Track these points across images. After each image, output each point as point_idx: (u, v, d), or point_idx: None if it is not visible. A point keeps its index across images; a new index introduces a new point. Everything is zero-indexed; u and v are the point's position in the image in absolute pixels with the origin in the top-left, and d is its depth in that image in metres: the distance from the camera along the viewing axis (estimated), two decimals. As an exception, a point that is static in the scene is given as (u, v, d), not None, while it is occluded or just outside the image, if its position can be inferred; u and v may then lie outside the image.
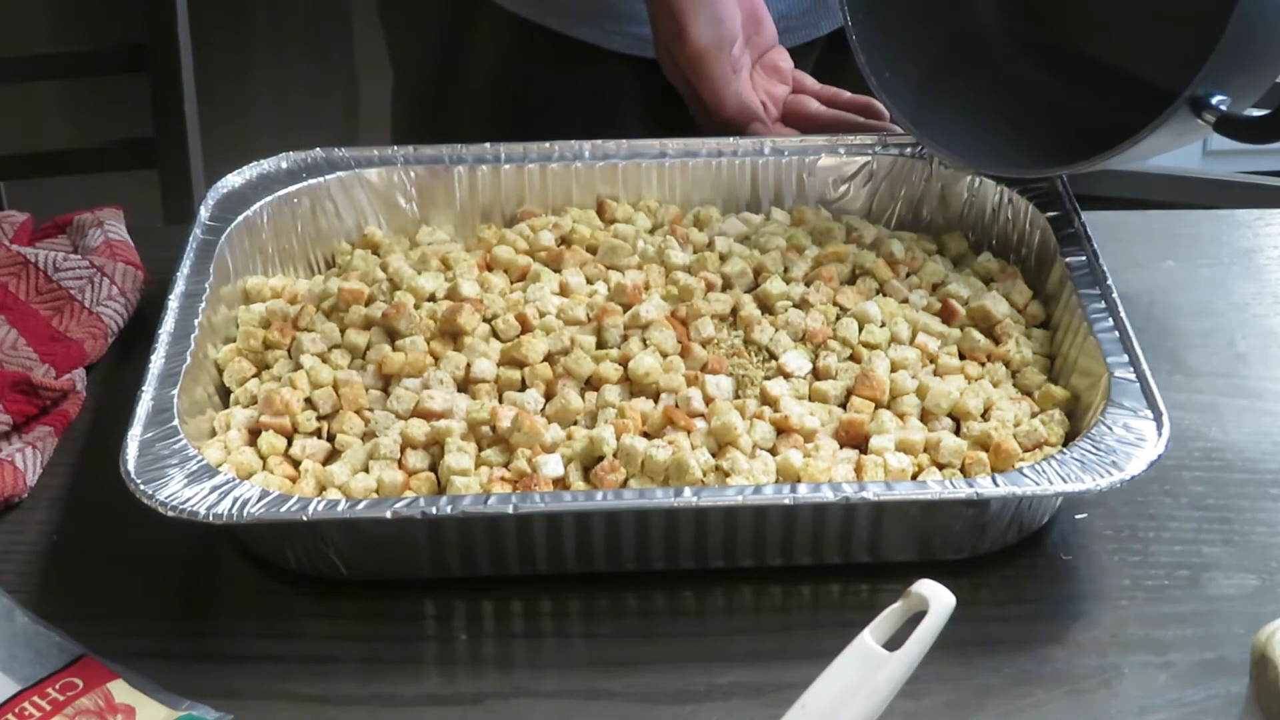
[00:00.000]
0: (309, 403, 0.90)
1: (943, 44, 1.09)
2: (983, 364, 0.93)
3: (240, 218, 1.01)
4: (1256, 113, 0.88)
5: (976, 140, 1.03)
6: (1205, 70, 0.86)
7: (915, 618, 0.72)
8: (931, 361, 0.93)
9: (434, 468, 0.86)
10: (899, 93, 1.05)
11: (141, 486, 0.80)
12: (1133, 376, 0.86)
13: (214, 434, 0.89)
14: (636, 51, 1.20)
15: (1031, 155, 1.01)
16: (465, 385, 0.91)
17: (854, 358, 0.93)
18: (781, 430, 0.87)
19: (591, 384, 0.91)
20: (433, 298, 0.97)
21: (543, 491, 0.83)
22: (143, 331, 0.94)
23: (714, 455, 0.86)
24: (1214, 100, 0.87)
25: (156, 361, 0.88)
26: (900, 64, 1.06)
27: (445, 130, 1.12)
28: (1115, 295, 0.92)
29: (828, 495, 0.79)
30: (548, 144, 1.07)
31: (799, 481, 0.84)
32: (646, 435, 0.87)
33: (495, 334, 0.94)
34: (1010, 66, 1.08)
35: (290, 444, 0.88)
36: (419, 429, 0.87)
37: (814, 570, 0.84)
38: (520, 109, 1.23)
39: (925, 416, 0.89)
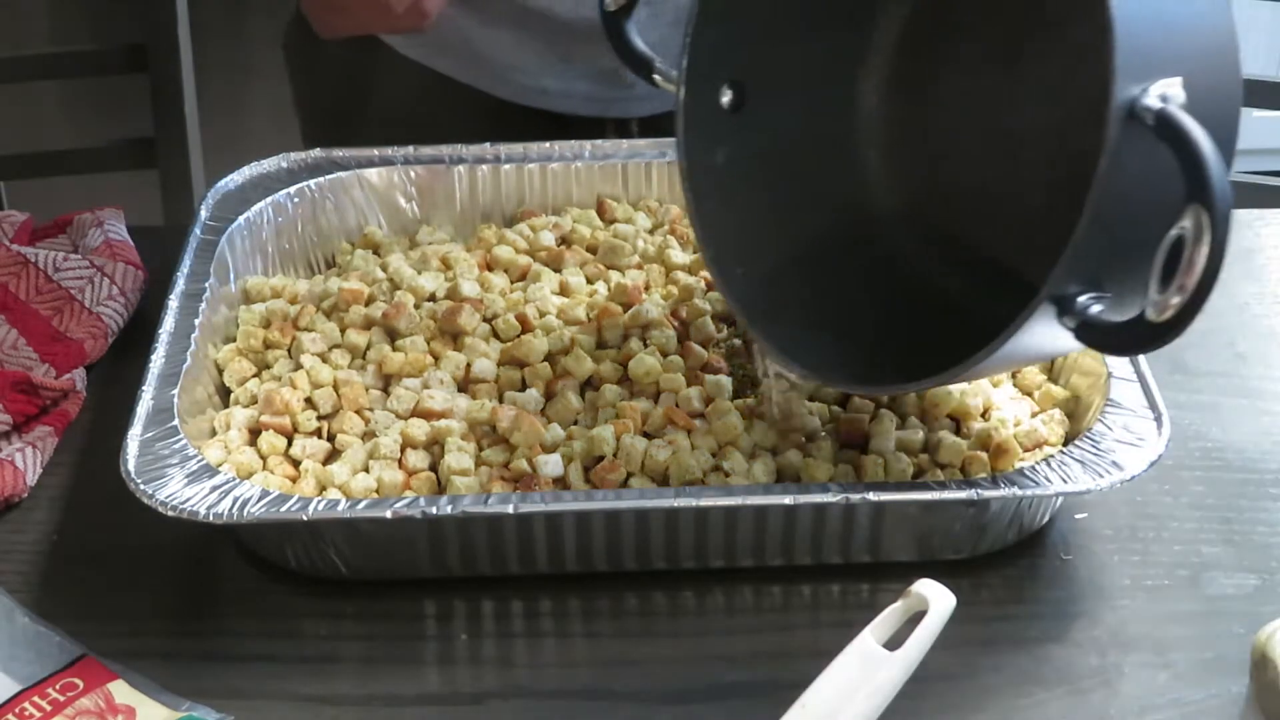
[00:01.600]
0: (309, 403, 0.90)
1: (799, 239, 0.93)
2: (983, 364, 0.93)
3: (240, 218, 1.01)
4: (1119, 319, 0.71)
5: (822, 347, 0.87)
6: (1061, 264, 0.70)
7: (915, 618, 0.72)
8: (931, 361, 0.92)
9: (434, 468, 0.86)
10: (745, 290, 0.90)
11: (141, 486, 0.80)
12: (1133, 376, 0.86)
13: (214, 434, 0.89)
14: (536, 104, 1.20)
15: (884, 368, 0.84)
16: (465, 385, 0.91)
17: (854, 358, 0.93)
18: (781, 430, 0.87)
19: (591, 384, 0.91)
20: (433, 298, 0.97)
21: (543, 491, 0.83)
22: (143, 331, 0.94)
23: (714, 455, 0.86)
24: (1080, 302, 0.71)
25: (156, 361, 0.88)
26: (752, 258, 0.91)
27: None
28: (1115, 295, 0.91)
29: (828, 495, 0.79)
30: (548, 144, 1.07)
31: (799, 481, 0.84)
32: (646, 435, 0.87)
33: (495, 334, 0.94)
34: (880, 267, 0.93)
35: (290, 444, 0.88)
36: (419, 429, 0.87)
37: (814, 570, 0.84)
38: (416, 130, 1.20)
39: (925, 416, 0.89)
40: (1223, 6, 0.76)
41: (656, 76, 0.94)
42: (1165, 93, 0.68)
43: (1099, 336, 0.72)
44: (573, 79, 1.18)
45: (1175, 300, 0.67)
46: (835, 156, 0.94)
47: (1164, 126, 0.67)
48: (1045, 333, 0.73)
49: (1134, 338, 0.70)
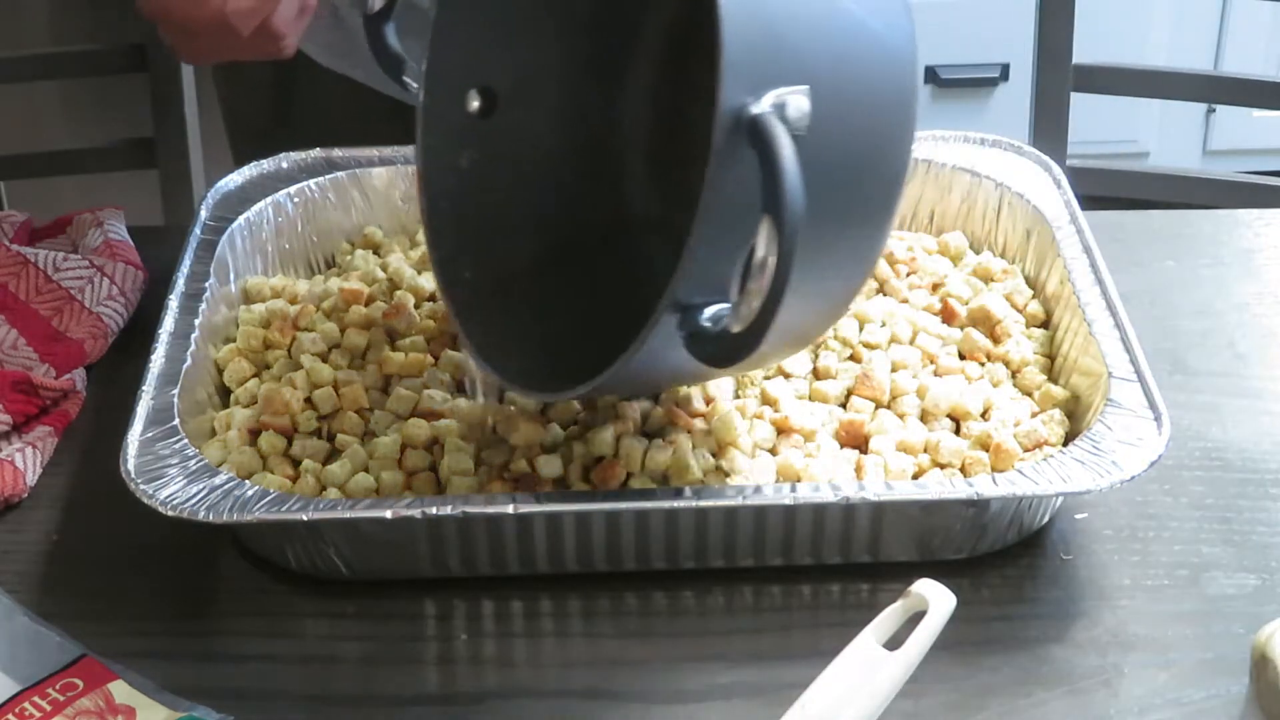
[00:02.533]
0: (309, 403, 0.90)
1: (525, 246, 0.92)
2: (983, 364, 0.93)
3: (240, 218, 1.01)
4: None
5: (527, 354, 0.86)
6: (678, 272, 0.69)
7: (915, 618, 0.72)
8: (931, 362, 0.93)
9: (434, 468, 0.86)
10: (468, 295, 0.88)
11: (141, 486, 0.80)
12: (1133, 376, 0.86)
13: (214, 434, 0.89)
14: None
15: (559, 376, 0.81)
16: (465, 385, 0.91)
17: (854, 358, 0.93)
18: (781, 430, 0.87)
19: (591, 384, 0.91)
20: (433, 298, 0.97)
21: (543, 491, 0.83)
22: (143, 331, 0.94)
23: (714, 455, 0.86)
24: (703, 313, 0.70)
25: (156, 361, 0.88)
26: (485, 262, 0.89)
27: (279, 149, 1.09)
28: (1115, 295, 0.92)
29: (828, 495, 0.79)
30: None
31: (799, 481, 0.84)
32: (646, 435, 0.87)
33: (495, 334, 0.94)
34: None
35: (290, 444, 0.88)
36: (419, 429, 0.87)
37: (814, 570, 0.84)
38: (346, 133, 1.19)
39: (925, 417, 0.89)
40: (892, 16, 0.74)
41: (406, 78, 0.92)
42: (784, 101, 0.67)
43: (699, 347, 0.71)
44: None
45: (747, 311, 0.66)
46: (592, 163, 0.92)
47: (754, 135, 0.66)
48: (672, 346, 0.71)
49: (721, 349, 0.70)
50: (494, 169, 0.90)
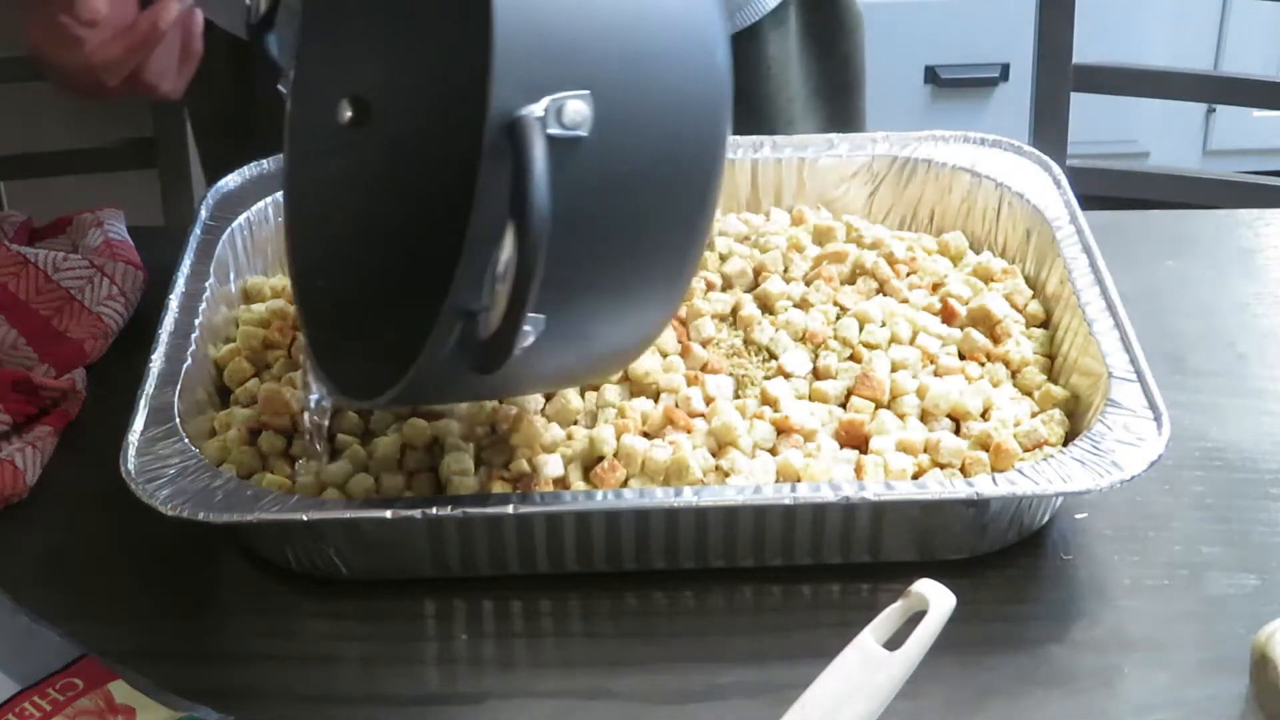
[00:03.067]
0: (309, 403, 0.90)
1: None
2: (983, 364, 0.93)
3: (240, 218, 1.01)
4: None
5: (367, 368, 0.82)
6: (456, 277, 0.68)
7: (915, 618, 0.72)
8: (931, 362, 0.93)
9: (434, 468, 0.86)
10: (321, 304, 0.86)
11: (141, 486, 0.80)
12: (1133, 376, 0.86)
13: (214, 434, 0.89)
14: None
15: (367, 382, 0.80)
16: (465, 385, 0.91)
17: (854, 358, 0.93)
18: (781, 430, 0.87)
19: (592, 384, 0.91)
20: (433, 298, 0.97)
21: (543, 491, 0.83)
22: (143, 331, 0.94)
23: (714, 455, 0.86)
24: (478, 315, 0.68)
25: (156, 361, 0.88)
26: (343, 271, 0.87)
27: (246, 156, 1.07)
28: (1115, 295, 0.92)
29: (828, 495, 0.79)
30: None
31: (799, 481, 0.84)
32: (646, 435, 0.87)
33: (495, 334, 0.94)
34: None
35: (290, 444, 0.88)
36: (419, 429, 0.87)
37: (814, 570, 0.84)
38: None
39: (925, 417, 0.89)
40: (700, 18, 0.73)
41: (280, 87, 0.89)
42: (561, 105, 0.66)
43: (464, 353, 0.70)
44: None
45: (495, 316, 0.66)
46: (461, 175, 0.92)
47: (512, 136, 0.66)
48: (449, 351, 0.70)
49: (479, 356, 0.69)
50: (361, 179, 0.89)
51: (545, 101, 0.67)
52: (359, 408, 0.88)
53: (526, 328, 0.67)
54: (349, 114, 0.88)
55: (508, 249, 0.65)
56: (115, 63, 0.93)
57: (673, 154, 0.72)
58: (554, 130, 0.67)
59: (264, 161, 1.05)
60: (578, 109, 0.67)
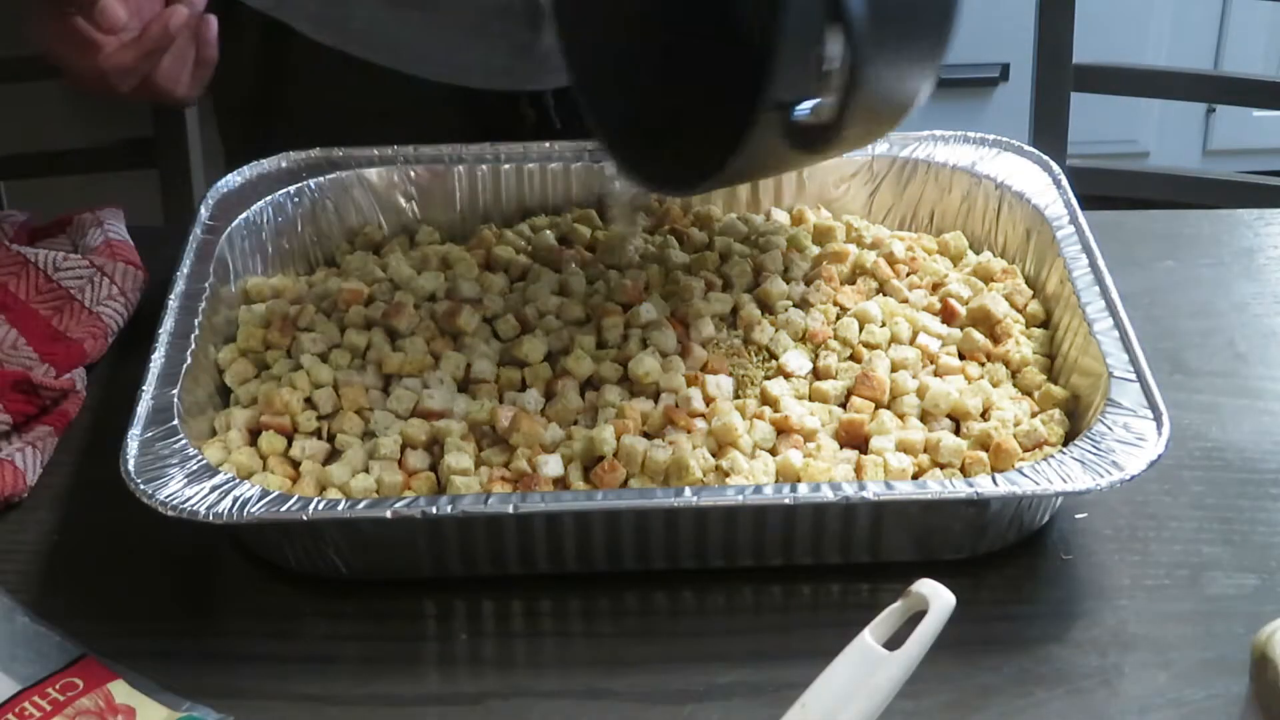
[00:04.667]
0: (309, 403, 0.90)
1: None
2: (983, 364, 0.93)
3: (240, 218, 1.01)
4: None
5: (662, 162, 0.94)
6: (775, 62, 0.78)
7: (915, 617, 0.72)
8: (931, 361, 0.93)
9: (434, 468, 0.86)
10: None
11: (141, 486, 0.80)
12: (1133, 376, 0.86)
13: (214, 434, 0.89)
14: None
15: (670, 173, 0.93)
16: (465, 385, 0.91)
17: (854, 358, 0.93)
18: (781, 430, 0.87)
19: (591, 384, 0.91)
20: (433, 298, 0.97)
21: (543, 491, 0.83)
22: (143, 331, 0.94)
23: (714, 455, 0.86)
24: (796, 109, 0.80)
25: (156, 361, 0.88)
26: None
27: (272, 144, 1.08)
28: (1115, 295, 0.92)
29: (828, 495, 0.79)
30: (547, 144, 1.07)
31: (799, 481, 0.84)
32: (646, 435, 0.87)
33: (495, 334, 0.94)
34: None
35: (290, 444, 0.88)
36: (419, 429, 0.87)
37: (814, 570, 0.84)
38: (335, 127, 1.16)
39: (925, 416, 0.89)
40: None
41: None
42: None
43: (797, 138, 0.81)
44: (485, 54, 1.17)
45: (829, 102, 0.77)
46: None
47: None
48: (773, 138, 0.82)
49: (813, 137, 0.81)
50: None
51: None
52: (670, 194, 1.01)
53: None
54: None
55: (831, 44, 0.76)
56: (127, 68, 0.94)
57: None
58: None
59: (263, 162, 1.05)
60: None
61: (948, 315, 0.96)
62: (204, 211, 1.01)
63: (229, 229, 1.00)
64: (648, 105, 0.96)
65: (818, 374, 0.92)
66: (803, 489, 0.80)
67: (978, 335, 0.94)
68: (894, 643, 0.71)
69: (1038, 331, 0.96)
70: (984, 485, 0.80)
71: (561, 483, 0.85)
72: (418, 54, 1.18)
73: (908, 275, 0.99)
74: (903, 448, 0.87)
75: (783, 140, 0.82)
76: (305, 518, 0.79)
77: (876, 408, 0.89)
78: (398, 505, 0.79)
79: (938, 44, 0.86)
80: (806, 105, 0.81)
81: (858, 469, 0.86)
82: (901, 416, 0.89)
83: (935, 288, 0.98)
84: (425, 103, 1.19)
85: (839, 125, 0.79)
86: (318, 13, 1.17)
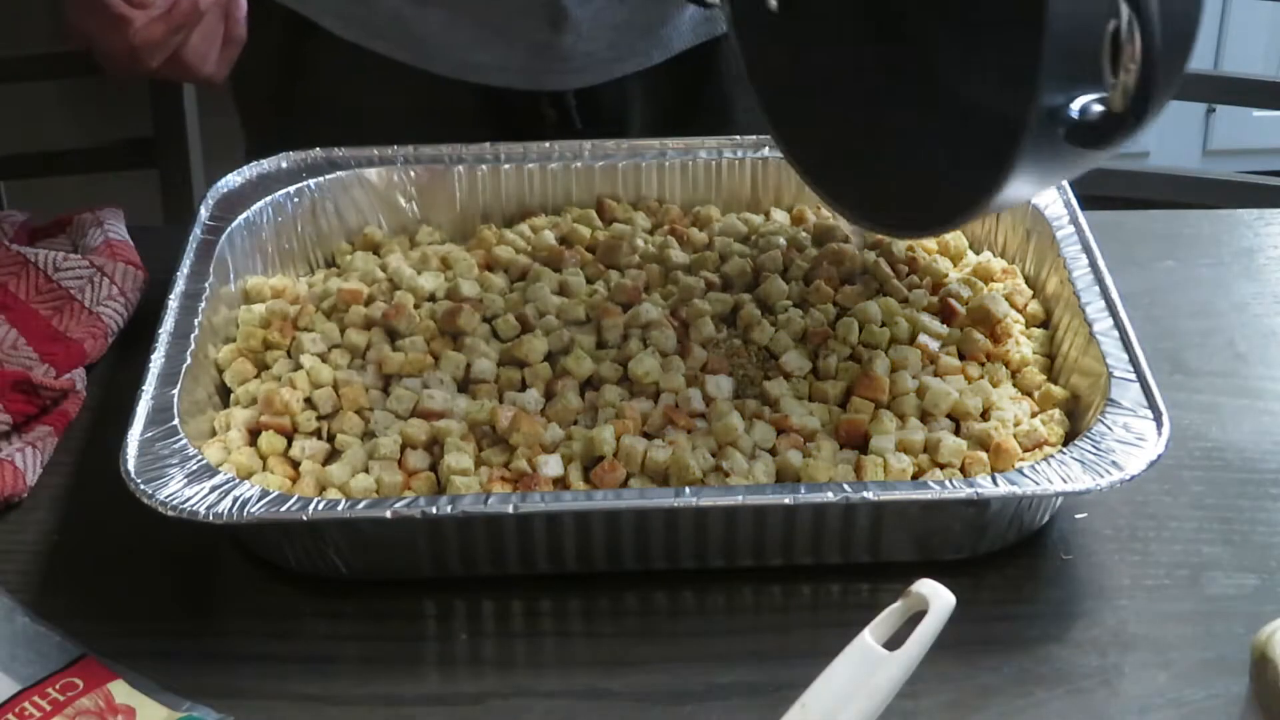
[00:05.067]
0: (309, 403, 0.90)
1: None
2: (983, 364, 0.93)
3: (240, 218, 1.01)
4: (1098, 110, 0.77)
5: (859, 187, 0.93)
6: (1044, 71, 0.75)
7: (915, 617, 0.72)
8: (931, 361, 0.93)
9: (434, 468, 0.86)
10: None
11: (141, 486, 0.80)
12: (1133, 376, 0.86)
13: (214, 434, 0.89)
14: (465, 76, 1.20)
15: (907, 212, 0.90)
16: (465, 385, 0.91)
17: (854, 358, 0.93)
18: (781, 430, 0.87)
19: (591, 384, 0.91)
20: (433, 298, 0.97)
21: (543, 491, 0.83)
22: (143, 331, 0.94)
23: (714, 455, 0.86)
24: (1071, 107, 0.77)
25: (156, 361, 0.88)
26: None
27: (296, 139, 1.08)
28: (1115, 295, 0.92)
29: (828, 495, 0.79)
30: (547, 144, 1.07)
31: (799, 481, 0.84)
32: (646, 435, 0.87)
33: (495, 334, 0.94)
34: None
35: (290, 444, 0.88)
36: (419, 429, 0.87)
37: (814, 570, 0.84)
38: (358, 123, 1.18)
39: (925, 416, 0.89)
40: None
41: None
42: None
43: (1084, 135, 0.77)
44: (506, 53, 1.17)
45: (1127, 86, 0.73)
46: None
47: None
48: (1046, 148, 0.78)
49: (1110, 128, 0.77)
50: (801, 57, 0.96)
51: None
52: (907, 237, 0.99)
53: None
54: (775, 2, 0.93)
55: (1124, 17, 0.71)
56: (156, 43, 0.94)
57: None
58: None
59: (263, 162, 1.05)
60: None
61: (948, 315, 0.96)
62: (204, 211, 1.01)
63: (229, 229, 1.00)
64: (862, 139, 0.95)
65: (818, 374, 0.92)
66: (803, 489, 0.81)
67: (978, 335, 0.94)
68: (894, 643, 0.71)
69: (1038, 331, 0.96)
70: (984, 485, 0.80)
71: (561, 483, 0.85)
72: (439, 51, 1.18)
73: (908, 275, 0.99)
74: (903, 448, 0.87)
75: (1063, 143, 0.78)
76: (305, 518, 0.79)
77: (876, 408, 0.89)
78: (398, 505, 0.79)
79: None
80: (1087, 98, 0.77)
81: (858, 469, 0.86)
82: (901, 416, 0.89)
83: (935, 287, 0.98)
84: (446, 100, 1.19)
85: (1138, 118, 0.76)
86: (343, 8, 1.17)
